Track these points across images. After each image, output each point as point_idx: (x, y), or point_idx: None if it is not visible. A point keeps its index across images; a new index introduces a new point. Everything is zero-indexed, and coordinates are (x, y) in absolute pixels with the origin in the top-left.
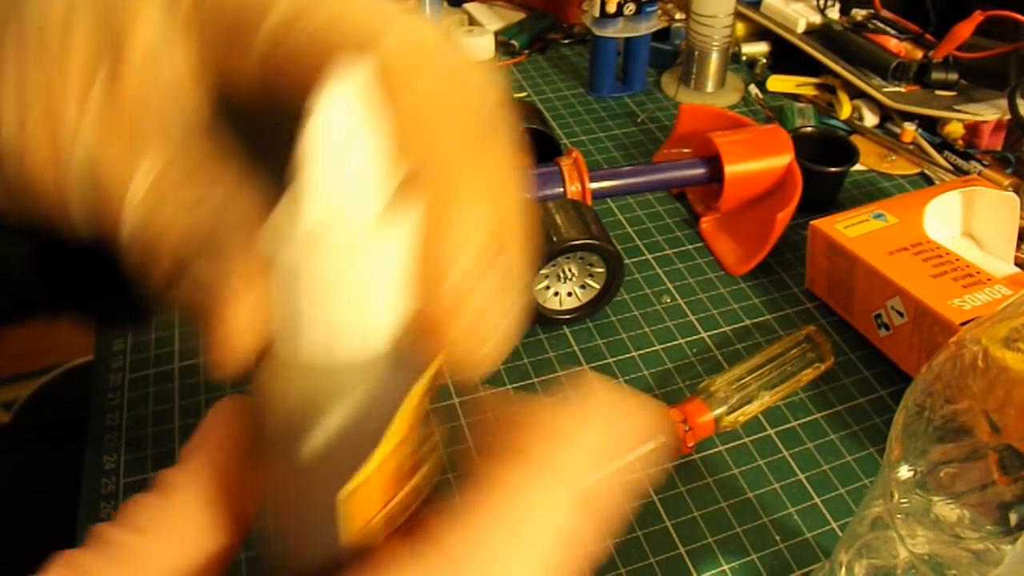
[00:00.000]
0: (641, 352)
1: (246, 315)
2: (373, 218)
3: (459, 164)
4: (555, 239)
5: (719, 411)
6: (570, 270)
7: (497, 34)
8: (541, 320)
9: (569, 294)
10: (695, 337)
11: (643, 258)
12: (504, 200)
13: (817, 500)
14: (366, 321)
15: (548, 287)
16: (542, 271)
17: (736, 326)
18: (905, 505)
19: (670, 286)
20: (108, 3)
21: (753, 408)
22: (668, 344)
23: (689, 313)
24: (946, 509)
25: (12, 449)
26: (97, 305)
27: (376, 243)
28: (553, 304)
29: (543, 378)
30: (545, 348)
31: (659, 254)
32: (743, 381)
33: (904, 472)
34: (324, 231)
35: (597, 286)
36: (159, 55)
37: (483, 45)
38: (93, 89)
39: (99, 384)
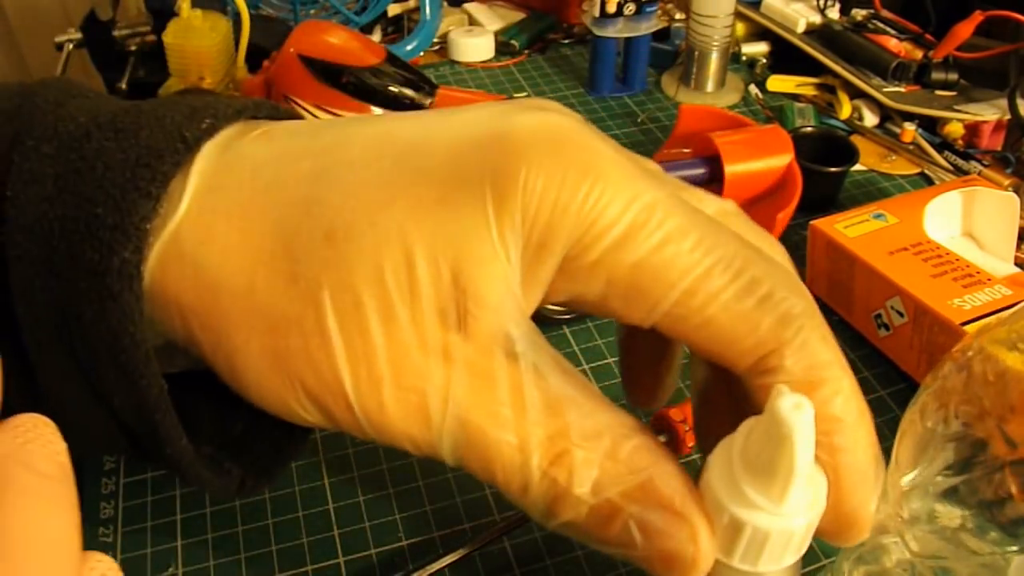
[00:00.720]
0: None
1: (706, 555)
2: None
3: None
4: None
5: None
6: None
7: (497, 34)
8: (541, 320)
9: None
10: None
11: None
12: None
13: None
14: (802, 547)
15: None
16: None
17: None
18: (907, 511)
19: None
20: (449, 253)
21: None
22: None
23: None
24: (949, 517)
25: None
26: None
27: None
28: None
29: None
30: None
31: None
32: None
33: (907, 480)
34: (791, 518)
35: None
36: (508, 302)
37: (483, 45)
38: (453, 350)
39: None
